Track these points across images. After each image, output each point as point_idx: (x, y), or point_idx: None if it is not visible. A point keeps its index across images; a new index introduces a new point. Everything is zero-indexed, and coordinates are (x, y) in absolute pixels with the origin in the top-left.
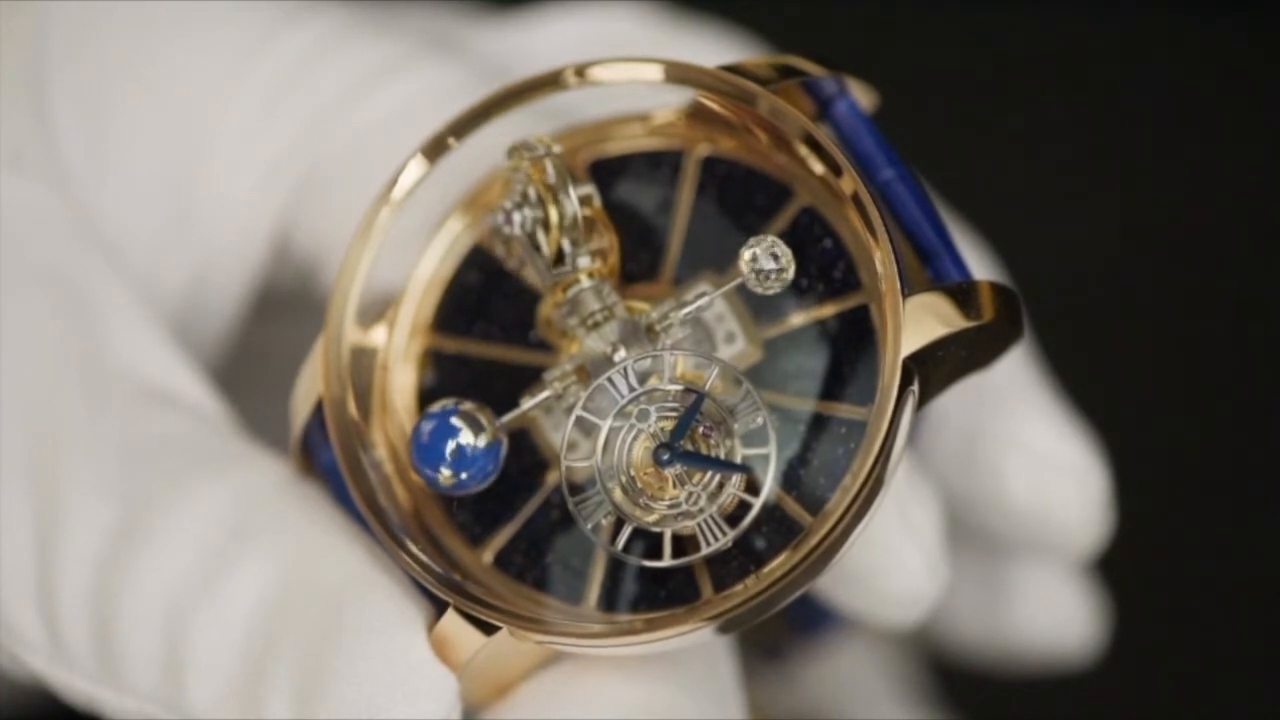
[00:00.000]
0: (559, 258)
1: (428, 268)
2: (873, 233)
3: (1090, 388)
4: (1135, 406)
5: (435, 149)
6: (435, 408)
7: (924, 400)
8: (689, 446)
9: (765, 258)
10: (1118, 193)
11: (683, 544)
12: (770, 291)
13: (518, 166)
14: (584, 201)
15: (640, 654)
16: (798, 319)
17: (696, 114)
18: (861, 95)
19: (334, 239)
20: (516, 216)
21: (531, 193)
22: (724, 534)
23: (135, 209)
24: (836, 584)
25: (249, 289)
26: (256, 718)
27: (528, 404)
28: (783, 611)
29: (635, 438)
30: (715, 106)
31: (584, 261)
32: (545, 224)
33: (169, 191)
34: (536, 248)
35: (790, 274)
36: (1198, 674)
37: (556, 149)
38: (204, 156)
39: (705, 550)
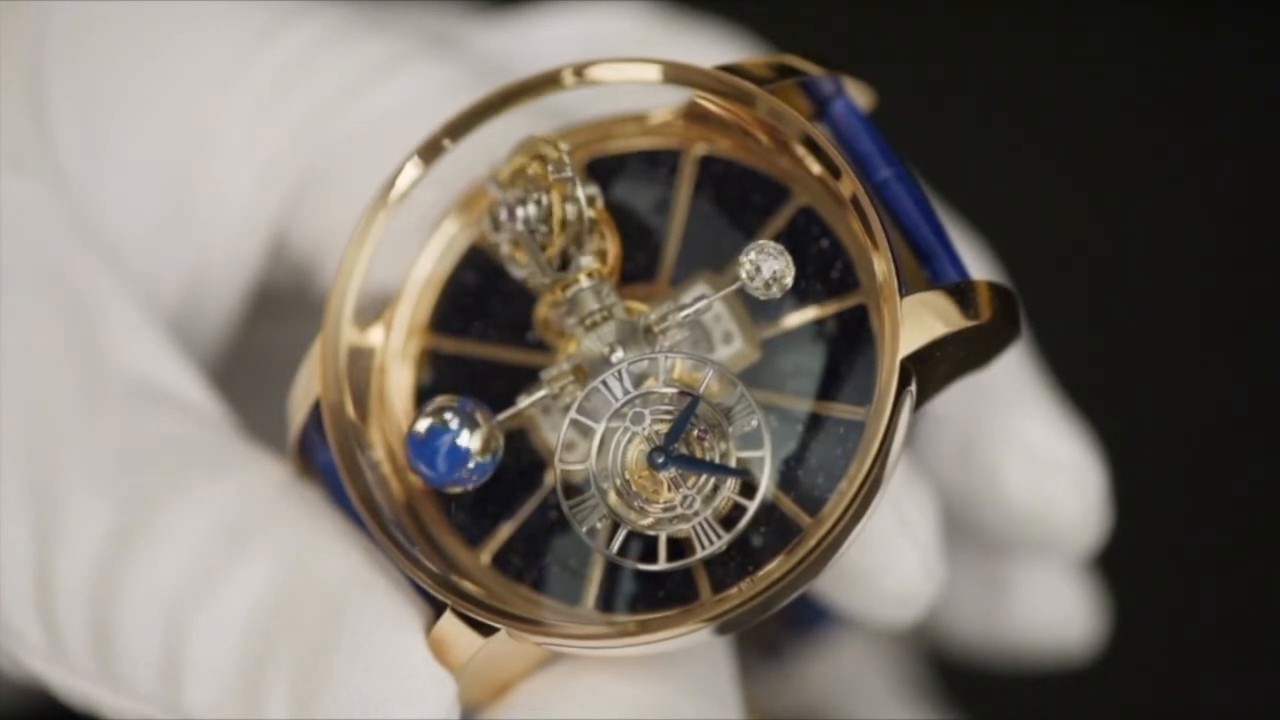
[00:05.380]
0: (561, 257)
1: (425, 268)
2: (870, 234)
3: (1088, 387)
4: (1134, 405)
5: (432, 150)
6: (431, 405)
7: (922, 400)
8: (684, 449)
9: (764, 264)
10: (1117, 192)
11: (679, 545)
12: (769, 297)
13: (537, 172)
14: (589, 202)
15: (638, 654)
16: (795, 319)
17: (694, 114)
18: (859, 95)
19: (331, 239)
20: (520, 212)
21: (545, 200)
22: (719, 537)
23: (132, 208)
24: (833, 583)
25: (246, 289)
26: (254, 719)
27: (524, 402)
28: (781, 610)
29: (630, 440)
30: (713, 106)
31: (585, 261)
32: (549, 223)
33: (166, 191)
34: (541, 247)
35: (789, 280)
36: (1198, 673)
37: (564, 146)
38: (201, 156)
39: (701, 553)
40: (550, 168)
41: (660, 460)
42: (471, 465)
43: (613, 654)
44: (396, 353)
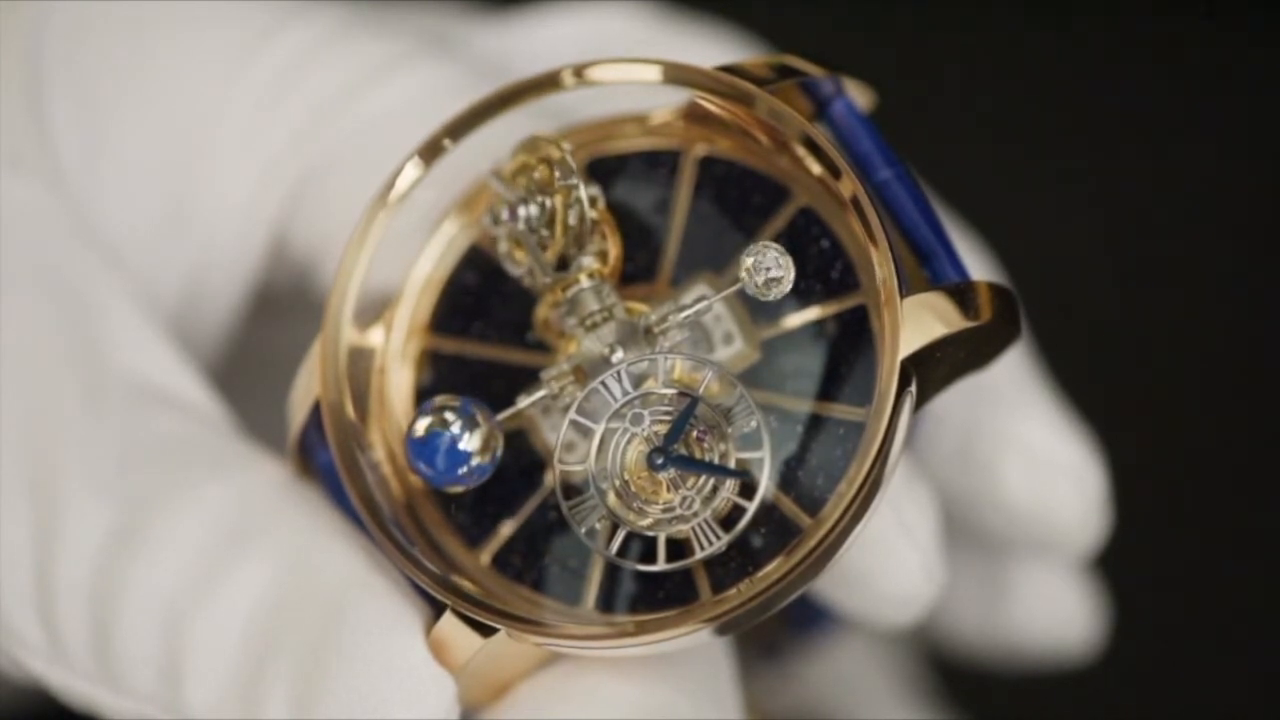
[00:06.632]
0: (562, 259)
1: (425, 268)
2: (871, 234)
3: (1088, 387)
4: (1134, 406)
5: (432, 150)
6: (431, 405)
7: (922, 401)
8: (683, 450)
9: (765, 265)
10: (1117, 192)
11: (679, 546)
12: (769, 299)
13: (543, 176)
14: (591, 202)
15: (638, 655)
16: (796, 320)
17: (694, 114)
18: (859, 95)
19: (331, 239)
20: (522, 211)
21: (549, 203)
22: (719, 538)
23: (132, 209)
24: (833, 584)
25: (246, 289)
26: (254, 719)
27: (524, 402)
28: (780, 610)
29: (629, 441)
30: (713, 107)
31: (585, 262)
32: (551, 221)
33: (166, 191)
34: (540, 245)
35: (789, 282)
36: (1198, 674)
37: (567, 146)
38: (201, 156)
39: (700, 554)
40: (557, 173)
41: (659, 461)
42: (471, 465)
43: (612, 654)
44: (396, 353)
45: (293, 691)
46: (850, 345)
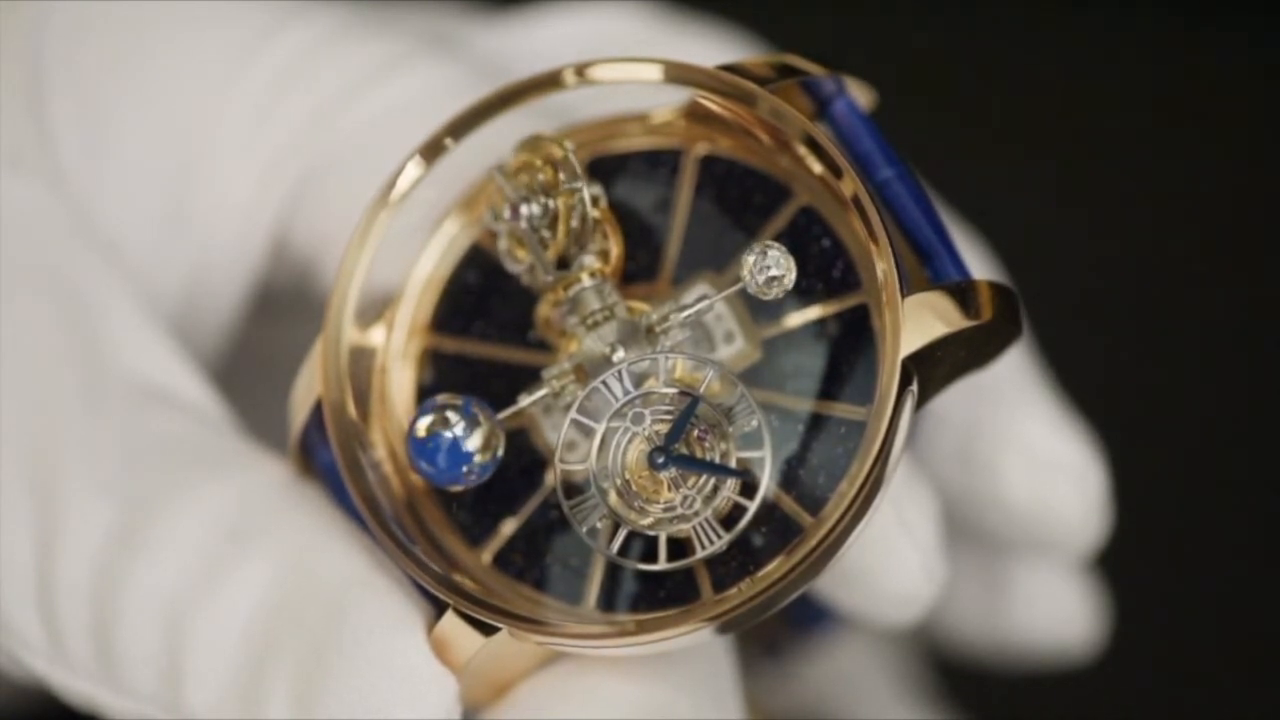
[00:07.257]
0: (563, 257)
1: (426, 267)
2: (872, 233)
3: (1089, 387)
4: (1135, 405)
5: (433, 150)
6: (432, 403)
7: (923, 400)
8: (684, 449)
9: (766, 264)
10: (1116, 192)
11: (680, 545)
12: (771, 298)
13: (547, 178)
14: (593, 202)
15: (639, 654)
16: (797, 319)
17: (695, 113)
18: (860, 94)
19: (332, 238)
20: (524, 210)
21: (551, 204)
22: (719, 537)
23: (132, 208)
24: (834, 583)
25: (247, 289)
26: (255, 719)
27: (525, 401)
28: (781, 609)
29: (630, 440)
30: (714, 106)
31: (587, 260)
32: (553, 222)
33: (166, 191)
34: (541, 244)
35: (791, 281)
36: (1198, 674)
37: (569, 145)
38: (201, 156)
39: (701, 553)
40: (560, 175)
41: (660, 460)
42: (473, 464)
43: (613, 653)
44: (398, 352)
45: (294, 691)
46: (851, 344)
